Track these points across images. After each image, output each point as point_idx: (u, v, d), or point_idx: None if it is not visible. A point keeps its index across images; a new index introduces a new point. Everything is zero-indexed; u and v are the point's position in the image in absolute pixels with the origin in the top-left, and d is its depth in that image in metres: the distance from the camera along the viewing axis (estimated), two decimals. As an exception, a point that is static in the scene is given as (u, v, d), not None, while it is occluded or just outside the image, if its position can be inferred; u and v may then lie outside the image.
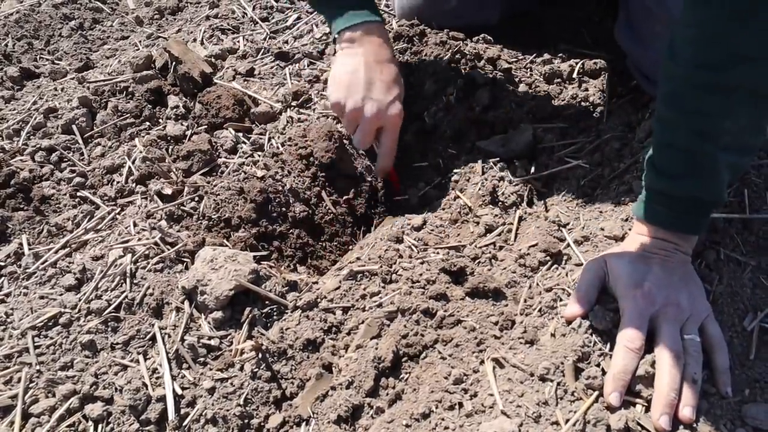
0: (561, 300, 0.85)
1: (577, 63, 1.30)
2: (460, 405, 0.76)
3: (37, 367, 0.86)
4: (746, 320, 0.83)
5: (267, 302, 0.92)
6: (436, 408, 0.76)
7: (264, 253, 1.03)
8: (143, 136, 1.24)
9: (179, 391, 0.83)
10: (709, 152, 0.77)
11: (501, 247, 0.98)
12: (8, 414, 0.82)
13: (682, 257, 0.82)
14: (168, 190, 1.10)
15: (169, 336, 0.89)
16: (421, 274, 0.91)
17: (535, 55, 1.35)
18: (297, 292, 0.94)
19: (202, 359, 0.87)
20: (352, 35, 1.12)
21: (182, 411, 0.82)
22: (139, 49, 1.55)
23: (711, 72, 0.74)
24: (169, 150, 1.21)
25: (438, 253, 0.97)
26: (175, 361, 0.87)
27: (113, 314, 0.92)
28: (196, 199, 1.10)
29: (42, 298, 0.95)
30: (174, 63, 1.34)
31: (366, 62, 1.10)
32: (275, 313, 0.91)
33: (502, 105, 1.22)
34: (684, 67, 0.76)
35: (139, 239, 1.01)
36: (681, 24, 0.76)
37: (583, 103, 1.22)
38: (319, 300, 0.92)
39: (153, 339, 0.89)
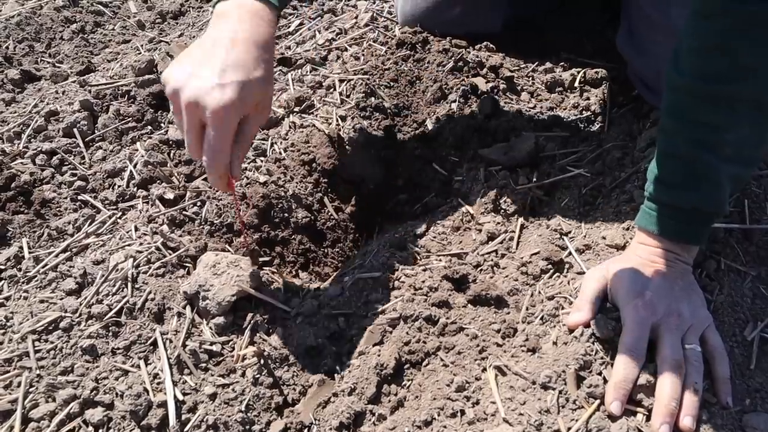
0: (563, 308, 0.85)
1: (578, 72, 1.30)
2: (462, 412, 0.76)
3: (37, 372, 0.86)
4: (747, 330, 0.83)
5: (269, 308, 0.92)
6: (438, 415, 0.77)
7: (266, 258, 1.03)
8: (145, 140, 1.24)
9: (180, 397, 0.83)
10: (711, 163, 0.77)
11: (503, 255, 0.98)
12: (8, 418, 0.82)
13: (684, 267, 0.82)
14: (170, 195, 1.10)
15: (171, 341, 0.89)
16: (423, 281, 0.91)
17: (537, 63, 1.36)
18: (299, 298, 0.94)
19: (203, 365, 0.86)
20: (222, 8, 0.86)
21: (183, 417, 0.82)
22: (140, 53, 1.55)
23: (714, 83, 0.75)
24: (171, 154, 1.21)
25: (440, 260, 0.97)
26: (176, 366, 0.86)
27: (114, 319, 0.91)
28: (198, 204, 1.10)
29: (42, 302, 0.95)
30: (176, 67, 1.34)
31: (218, 37, 0.83)
32: (277, 319, 0.91)
33: (504, 113, 1.22)
34: (687, 78, 0.77)
35: (141, 244, 1.01)
36: (685, 35, 0.77)
37: (584, 112, 1.23)
38: (321, 306, 0.92)
39: (154, 344, 0.89)
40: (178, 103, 0.80)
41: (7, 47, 1.64)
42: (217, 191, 1.10)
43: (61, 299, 0.95)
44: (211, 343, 0.88)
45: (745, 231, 0.93)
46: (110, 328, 0.91)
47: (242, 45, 0.82)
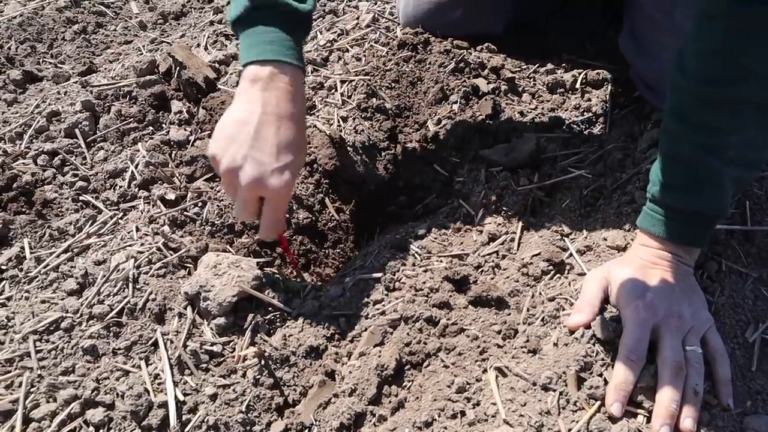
0: (564, 309, 0.85)
1: (580, 73, 1.30)
2: (463, 413, 0.76)
3: (39, 372, 0.86)
4: (748, 332, 0.83)
5: (270, 309, 0.92)
6: (439, 416, 0.76)
7: (267, 259, 1.03)
8: (146, 141, 1.24)
9: (181, 397, 0.83)
10: (713, 166, 0.77)
11: (504, 256, 0.98)
12: (9, 418, 0.82)
13: (685, 269, 0.82)
14: (171, 195, 1.10)
15: (172, 342, 0.89)
16: (424, 282, 0.91)
17: (538, 65, 1.36)
18: (300, 299, 0.94)
19: (204, 365, 0.87)
20: (258, 73, 0.88)
21: (184, 417, 0.82)
22: (142, 54, 1.56)
23: (717, 86, 0.75)
24: (173, 155, 1.21)
25: (441, 261, 0.97)
26: (177, 367, 0.86)
27: (115, 319, 0.91)
28: (200, 204, 1.10)
29: (43, 302, 0.95)
30: (178, 68, 1.35)
31: (263, 113, 0.86)
32: (278, 320, 0.91)
33: (506, 114, 1.22)
34: (691, 81, 0.76)
35: (142, 244, 1.01)
36: (689, 36, 0.77)
37: (586, 113, 1.23)
38: (322, 307, 0.92)
39: (155, 345, 0.89)
40: (234, 181, 0.86)
41: (9, 48, 1.65)
42: (218, 192, 1.11)
43: (63, 299, 0.95)
44: (212, 344, 0.88)
45: (746, 233, 0.93)
46: (111, 329, 0.91)
47: (288, 123, 0.88)
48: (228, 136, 0.87)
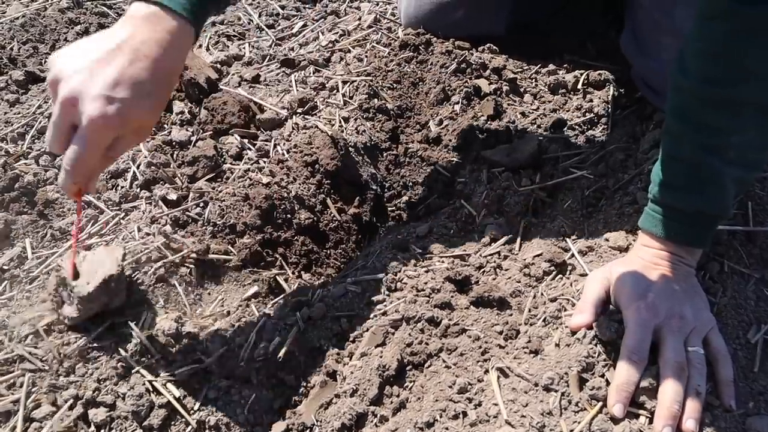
0: (565, 310, 0.85)
1: (581, 74, 1.30)
2: (464, 414, 0.76)
3: (40, 372, 0.86)
4: (750, 333, 0.83)
5: (273, 310, 0.92)
6: (440, 417, 0.76)
7: (269, 260, 1.03)
8: (148, 142, 1.24)
9: (182, 397, 0.83)
10: (715, 166, 0.77)
11: (506, 257, 0.98)
12: (10, 419, 0.82)
13: (687, 269, 0.82)
14: (173, 196, 1.10)
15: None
16: (426, 283, 0.91)
17: (540, 65, 1.36)
18: (305, 300, 0.94)
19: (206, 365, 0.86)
20: (139, 9, 0.76)
21: (185, 417, 0.82)
22: (144, 55, 1.55)
23: (719, 87, 0.74)
24: (174, 155, 1.22)
25: (443, 261, 0.97)
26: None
27: (117, 319, 0.91)
28: (201, 204, 1.10)
29: (45, 302, 0.95)
30: (180, 69, 1.35)
31: (123, 42, 0.74)
32: (281, 322, 0.91)
33: (507, 115, 1.22)
34: (692, 81, 0.76)
35: (144, 244, 1.01)
36: (690, 37, 0.77)
37: (587, 114, 1.23)
38: (323, 307, 0.92)
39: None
40: (55, 92, 0.74)
41: (11, 48, 1.65)
42: (220, 193, 1.11)
43: (64, 299, 0.95)
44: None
45: (748, 233, 0.93)
46: (113, 329, 0.91)
47: (146, 63, 0.74)
48: (76, 50, 0.75)
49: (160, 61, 0.76)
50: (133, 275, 0.95)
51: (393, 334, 0.87)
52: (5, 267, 1.02)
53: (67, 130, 0.74)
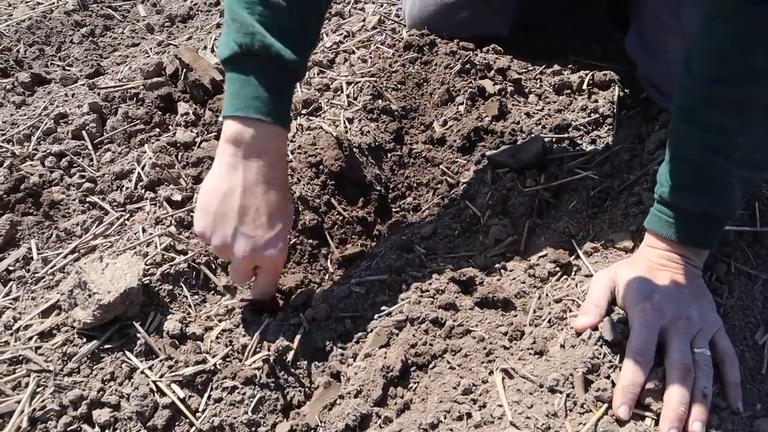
0: (571, 311, 0.84)
1: (586, 74, 1.30)
2: (469, 415, 0.76)
3: (45, 373, 0.86)
4: (758, 334, 0.83)
5: (278, 311, 0.92)
6: (445, 418, 0.76)
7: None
8: (153, 143, 1.24)
9: (187, 398, 0.83)
10: (721, 167, 0.77)
11: (510, 258, 0.98)
12: (15, 419, 0.82)
13: (693, 270, 0.82)
14: (177, 197, 1.10)
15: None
16: (430, 284, 0.91)
17: (544, 66, 1.35)
18: (308, 301, 0.94)
19: (209, 366, 0.86)
20: (239, 134, 0.83)
21: (189, 418, 0.82)
22: (149, 56, 1.56)
23: (726, 87, 0.74)
24: (179, 156, 1.22)
25: (447, 262, 0.97)
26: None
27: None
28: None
29: (50, 302, 0.95)
30: (184, 70, 1.35)
31: (245, 183, 0.84)
32: (285, 322, 0.91)
33: (512, 115, 1.22)
34: (699, 82, 0.76)
35: (148, 245, 1.01)
36: (697, 38, 0.76)
37: (592, 115, 1.22)
38: (328, 308, 0.92)
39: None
40: (229, 256, 0.86)
41: (17, 51, 1.66)
42: None
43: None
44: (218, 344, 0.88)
45: (755, 234, 0.92)
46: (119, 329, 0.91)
47: (271, 189, 0.85)
48: (214, 212, 0.85)
49: (278, 178, 0.87)
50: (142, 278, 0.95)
51: (397, 335, 0.87)
52: (11, 268, 1.03)
53: (253, 270, 0.89)
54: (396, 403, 0.81)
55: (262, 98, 0.83)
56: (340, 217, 1.14)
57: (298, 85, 1.38)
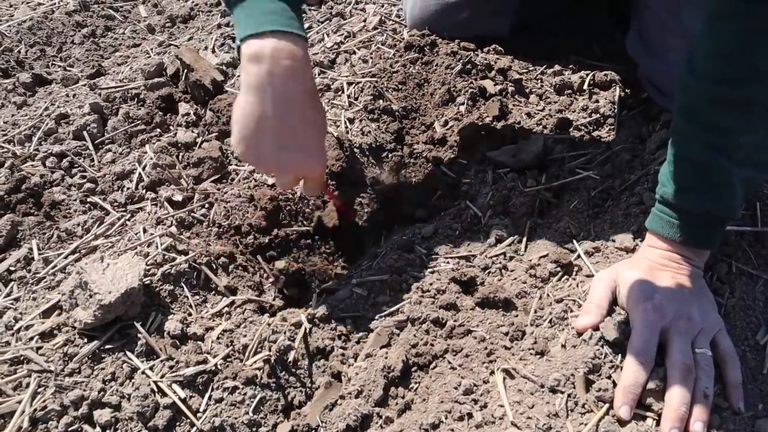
0: (572, 311, 0.84)
1: (587, 75, 1.30)
2: (470, 416, 0.76)
3: (46, 373, 0.86)
4: (759, 334, 0.83)
5: (279, 311, 0.92)
6: (446, 418, 0.76)
7: (274, 260, 1.03)
8: (154, 143, 1.24)
9: (187, 398, 0.83)
10: (723, 166, 0.77)
11: (511, 258, 0.98)
12: (15, 419, 0.82)
13: (694, 271, 0.82)
14: (178, 197, 1.10)
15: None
16: (431, 284, 0.91)
17: (545, 66, 1.35)
18: (309, 301, 0.94)
19: (211, 366, 0.86)
20: (259, 49, 0.82)
21: (190, 418, 0.82)
22: (150, 57, 1.56)
23: (728, 87, 0.74)
24: (180, 157, 1.22)
25: (448, 262, 0.97)
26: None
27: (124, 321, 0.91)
28: (207, 206, 1.10)
29: (51, 303, 0.95)
30: (185, 70, 1.35)
31: (275, 100, 0.83)
32: (286, 322, 0.91)
33: (513, 116, 1.22)
34: (701, 81, 0.76)
35: (149, 245, 1.01)
36: (700, 38, 0.76)
37: (593, 115, 1.22)
38: (328, 308, 0.92)
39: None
40: (270, 171, 0.92)
41: (19, 51, 1.66)
42: (225, 194, 1.11)
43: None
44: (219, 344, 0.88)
45: (756, 234, 0.92)
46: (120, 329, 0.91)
47: (301, 100, 0.85)
48: (249, 134, 0.85)
49: (307, 87, 0.86)
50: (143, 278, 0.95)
51: (398, 335, 0.87)
52: (12, 268, 1.03)
53: (298, 180, 0.94)
54: (397, 404, 0.81)
55: (272, 11, 0.83)
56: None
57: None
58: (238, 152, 0.87)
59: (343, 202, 1.10)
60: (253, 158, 0.87)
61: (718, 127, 0.76)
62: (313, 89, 0.89)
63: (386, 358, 0.83)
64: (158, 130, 1.29)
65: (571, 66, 1.35)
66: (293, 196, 1.12)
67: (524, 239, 1.00)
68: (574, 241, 0.96)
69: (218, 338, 0.89)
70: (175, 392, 0.83)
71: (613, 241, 0.93)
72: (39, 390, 0.84)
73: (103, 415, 0.81)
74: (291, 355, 0.87)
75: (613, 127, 1.19)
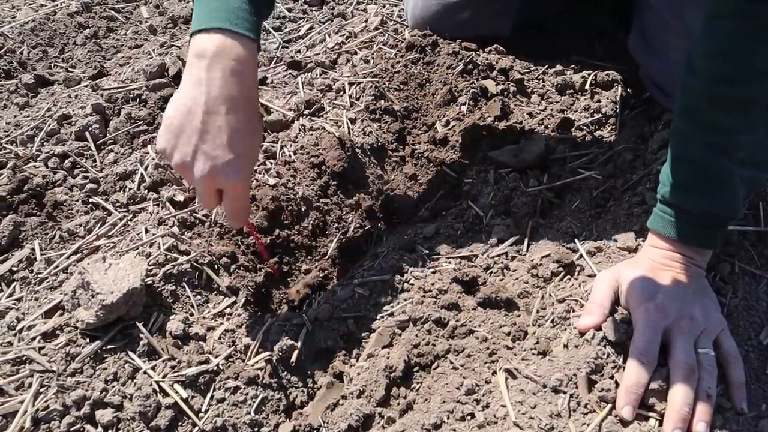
0: (574, 311, 0.84)
1: (589, 74, 1.30)
2: (472, 416, 0.76)
3: (48, 373, 0.86)
4: (762, 334, 0.82)
5: (280, 311, 0.92)
6: (448, 418, 0.76)
7: (275, 260, 1.03)
8: (156, 144, 1.24)
9: (189, 398, 0.83)
10: (724, 166, 0.77)
11: (513, 258, 0.97)
12: (18, 419, 0.82)
13: (696, 270, 0.81)
14: (180, 197, 1.10)
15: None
16: (432, 284, 0.91)
17: (547, 66, 1.35)
18: (309, 300, 0.94)
19: (213, 366, 0.86)
20: (203, 46, 0.79)
21: (192, 418, 0.82)
22: (152, 58, 1.56)
23: (727, 86, 0.74)
24: (182, 157, 1.22)
25: (450, 262, 0.97)
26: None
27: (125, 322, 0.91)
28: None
29: (53, 303, 0.95)
30: (187, 71, 1.35)
31: (208, 99, 0.79)
32: (287, 323, 0.91)
33: (515, 115, 1.22)
34: (701, 81, 0.76)
35: (151, 245, 1.01)
36: (699, 38, 0.76)
37: (595, 115, 1.22)
38: (331, 309, 0.92)
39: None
40: (189, 175, 0.81)
41: (21, 52, 1.66)
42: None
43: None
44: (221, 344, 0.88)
45: (759, 233, 0.92)
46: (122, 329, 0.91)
47: (236, 106, 0.80)
48: (175, 128, 0.80)
49: (244, 93, 0.81)
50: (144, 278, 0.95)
51: (400, 335, 0.87)
52: (14, 268, 1.03)
53: (217, 196, 0.84)
54: (399, 404, 0.80)
55: (225, 8, 0.80)
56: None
57: (300, 85, 1.38)
58: (158, 147, 0.83)
59: (263, 244, 1.01)
60: (170, 154, 0.81)
61: (717, 126, 0.76)
62: (253, 95, 0.83)
63: (388, 358, 0.83)
64: (160, 130, 1.29)
65: (572, 66, 1.35)
66: (294, 197, 1.12)
67: (526, 239, 1.00)
68: (576, 241, 0.96)
69: (220, 338, 0.89)
70: (177, 392, 0.83)
71: (615, 240, 0.93)
72: (41, 390, 0.84)
73: (105, 415, 0.81)
74: (293, 356, 0.87)
75: (614, 127, 1.19)
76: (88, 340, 0.89)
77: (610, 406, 0.73)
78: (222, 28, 0.79)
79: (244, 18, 0.80)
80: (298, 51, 1.52)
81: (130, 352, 0.87)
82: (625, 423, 0.71)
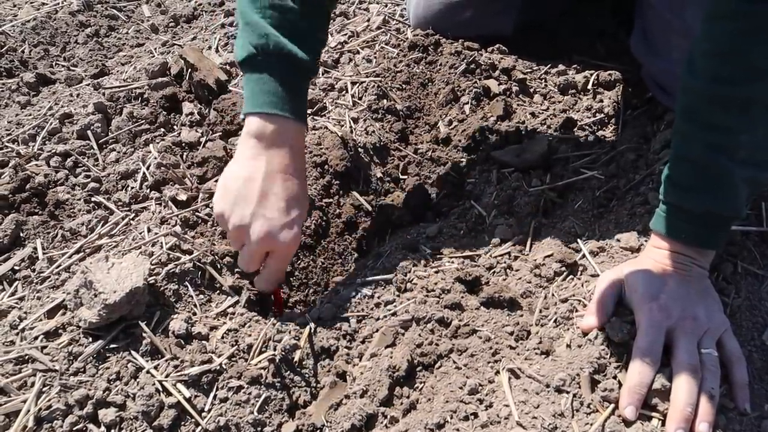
0: (577, 311, 0.84)
1: (591, 74, 1.30)
2: (475, 415, 0.76)
3: (50, 372, 0.86)
4: (765, 334, 0.82)
5: (282, 311, 0.92)
6: (451, 418, 0.76)
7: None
8: (158, 143, 1.24)
9: (192, 398, 0.83)
10: (725, 166, 0.76)
11: (516, 257, 0.97)
12: (21, 418, 0.82)
13: (699, 271, 0.81)
14: (182, 196, 1.10)
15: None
16: (435, 283, 0.91)
17: (549, 66, 1.35)
18: (312, 300, 0.94)
19: (215, 366, 0.86)
20: (261, 129, 0.89)
21: (195, 418, 0.82)
22: (154, 56, 1.56)
23: (727, 86, 0.74)
24: (184, 156, 1.22)
25: (453, 262, 0.97)
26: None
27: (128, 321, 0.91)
28: (211, 205, 1.10)
29: (55, 302, 0.95)
30: (189, 70, 1.35)
31: (267, 171, 0.88)
32: (290, 322, 0.91)
33: (517, 115, 1.22)
34: (701, 81, 0.76)
35: (153, 245, 1.01)
36: (699, 37, 0.76)
37: (598, 114, 1.22)
38: (334, 308, 0.92)
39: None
40: (243, 238, 0.89)
41: (22, 51, 1.66)
42: None
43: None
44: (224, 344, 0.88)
45: (762, 234, 0.92)
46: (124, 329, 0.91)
47: (291, 178, 0.90)
48: (234, 194, 0.88)
49: (299, 168, 0.91)
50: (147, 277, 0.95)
51: (403, 334, 0.87)
52: (16, 267, 1.03)
53: (264, 257, 0.92)
54: (402, 403, 0.80)
55: (279, 95, 0.88)
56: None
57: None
58: (216, 207, 0.90)
59: (282, 300, 1.03)
60: (229, 216, 0.88)
61: (717, 126, 0.76)
62: (302, 172, 0.93)
63: (391, 357, 0.83)
64: (162, 129, 1.30)
65: (575, 66, 1.35)
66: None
67: (529, 239, 1.00)
68: (579, 241, 0.96)
69: (223, 337, 0.89)
70: (179, 392, 0.83)
71: (618, 240, 0.93)
72: (44, 389, 0.84)
73: (107, 415, 0.81)
74: (296, 355, 0.87)
75: (617, 126, 1.19)
76: (90, 339, 0.89)
77: (613, 406, 0.73)
78: (277, 114, 0.89)
79: (293, 103, 0.89)
80: (300, 50, 1.51)
81: (132, 352, 0.87)
82: (628, 423, 0.71)
